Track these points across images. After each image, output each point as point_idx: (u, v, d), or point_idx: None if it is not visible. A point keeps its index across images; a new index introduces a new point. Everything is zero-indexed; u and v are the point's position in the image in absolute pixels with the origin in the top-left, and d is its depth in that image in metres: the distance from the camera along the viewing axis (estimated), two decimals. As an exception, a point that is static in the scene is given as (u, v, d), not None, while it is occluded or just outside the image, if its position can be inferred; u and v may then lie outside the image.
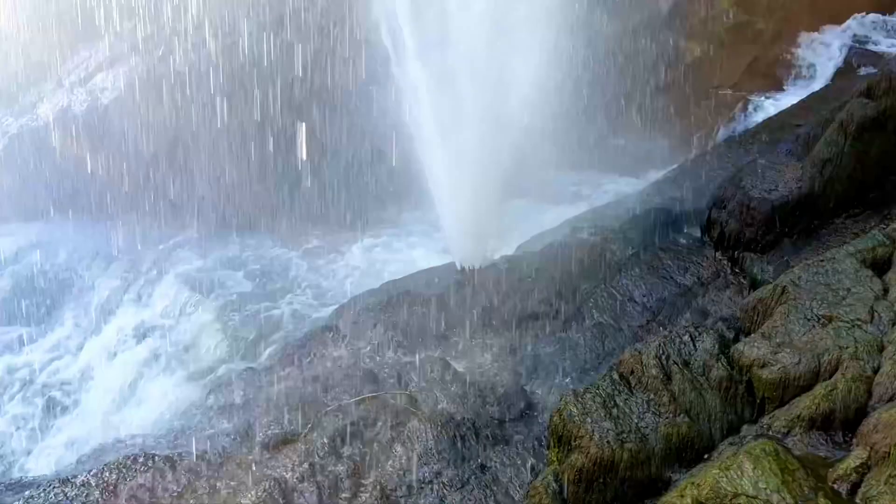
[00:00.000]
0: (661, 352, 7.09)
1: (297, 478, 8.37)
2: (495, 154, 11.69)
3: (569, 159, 14.42)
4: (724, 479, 5.26)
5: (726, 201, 10.61)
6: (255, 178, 16.24)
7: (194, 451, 8.71)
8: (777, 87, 16.96)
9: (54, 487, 8.44)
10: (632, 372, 7.00)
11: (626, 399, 6.77)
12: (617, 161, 15.82)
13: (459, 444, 8.52)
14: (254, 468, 8.51)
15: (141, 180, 16.66)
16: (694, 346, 7.21)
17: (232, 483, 8.37)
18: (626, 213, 12.28)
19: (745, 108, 16.50)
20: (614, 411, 6.64)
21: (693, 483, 5.42)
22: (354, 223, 15.81)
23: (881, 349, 6.46)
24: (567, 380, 9.48)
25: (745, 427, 6.62)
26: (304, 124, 15.57)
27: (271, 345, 12.61)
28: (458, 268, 12.17)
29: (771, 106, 16.20)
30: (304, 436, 8.82)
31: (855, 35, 17.45)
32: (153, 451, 8.74)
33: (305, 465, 8.47)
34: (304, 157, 15.59)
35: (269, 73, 15.85)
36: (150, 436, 9.74)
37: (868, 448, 5.54)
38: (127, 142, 16.69)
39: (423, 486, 8.18)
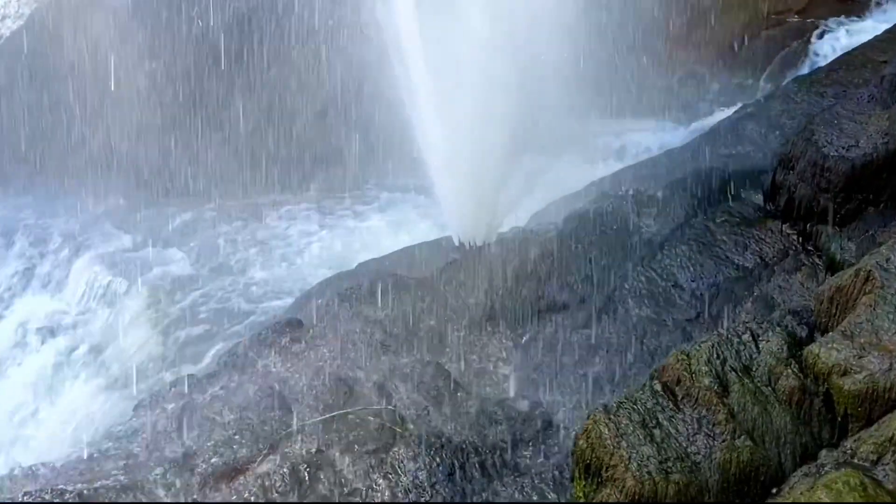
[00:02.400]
0: (714, 355, 7.05)
1: (248, 519, 8.33)
2: (503, 95, 11.53)
3: (598, 102, 14.37)
4: (799, 522, 5.22)
5: (795, 160, 10.53)
6: (192, 133, 16.15)
7: (116, 484, 8.61)
8: (856, 12, 17.03)
9: (-70, 531, 8.39)
10: (678, 381, 6.96)
11: (672, 416, 6.74)
12: (657, 106, 15.88)
13: (458, 475, 8.45)
14: (193, 507, 8.45)
15: (49, 134, 16.59)
16: (756, 347, 7.17)
17: (165, 526, 8.33)
18: (668, 173, 12.28)
19: (816, 40, 16.50)
20: (656, 433, 6.60)
21: (759, 526, 5.39)
22: (320, 187, 15.79)
23: None
24: (595, 391, 9.43)
25: (823, 452, 6.54)
26: (252, 64, 15.49)
27: (215, 345, 12.58)
28: (457, 244, 12.15)
29: (849, 37, 16.20)
30: (258, 465, 8.73)
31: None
32: (62, 486, 8.63)
33: None
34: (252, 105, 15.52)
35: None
36: (58, 463, 9.62)
37: (981, 481, 5.49)
38: (33, 84, 16.64)
39: (411, 528, 8.15)
